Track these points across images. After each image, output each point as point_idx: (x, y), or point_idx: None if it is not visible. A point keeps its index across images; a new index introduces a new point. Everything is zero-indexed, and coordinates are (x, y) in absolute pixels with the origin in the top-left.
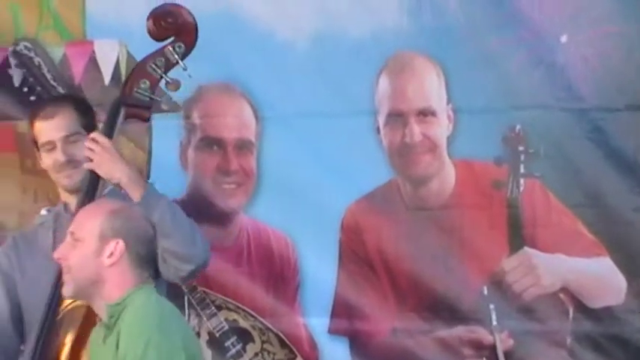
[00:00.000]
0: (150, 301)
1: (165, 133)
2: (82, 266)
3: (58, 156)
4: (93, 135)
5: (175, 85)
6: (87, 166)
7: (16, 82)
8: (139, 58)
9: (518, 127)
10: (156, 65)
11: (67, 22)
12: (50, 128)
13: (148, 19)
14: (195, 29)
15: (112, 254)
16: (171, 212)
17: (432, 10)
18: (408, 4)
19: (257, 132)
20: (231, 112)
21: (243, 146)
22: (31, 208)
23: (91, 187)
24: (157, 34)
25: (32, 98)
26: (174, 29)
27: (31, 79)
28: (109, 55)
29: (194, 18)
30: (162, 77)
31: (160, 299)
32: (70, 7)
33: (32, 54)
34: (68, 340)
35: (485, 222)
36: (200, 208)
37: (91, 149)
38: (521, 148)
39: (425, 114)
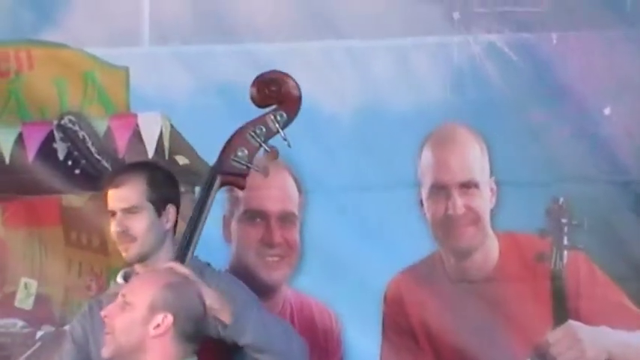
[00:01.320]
0: None
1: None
2: (127, 331)
3: (114, 226)
4: (172, 264)
5: (274, 154)
6: None
7: (61, 156)
8: (182, 131)
9: (561, 199)
10: (255, 133)
11: (111, 95)
12: (114, 197)
13: (252, 84)
14: (299, 100)
15: (158, 326)
16: (263, 326)
17: (474, 83)
18: (451, 78)
19: (300, 204)
20: (275, 184)
21: (286, 219)
22: (75, 282)
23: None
24: (259, 100)
25: (77, 172)
26: (277, 97)
27: (75, 153)
28: (152, 128)
29: (299, 88)
30: (261, 146)
31: None
32: (115, 80)
33: (77, 127)
34: None
35: (529, 294)
36: (243, 281)
37: None
38: (564, 221)
39: (468, 186)
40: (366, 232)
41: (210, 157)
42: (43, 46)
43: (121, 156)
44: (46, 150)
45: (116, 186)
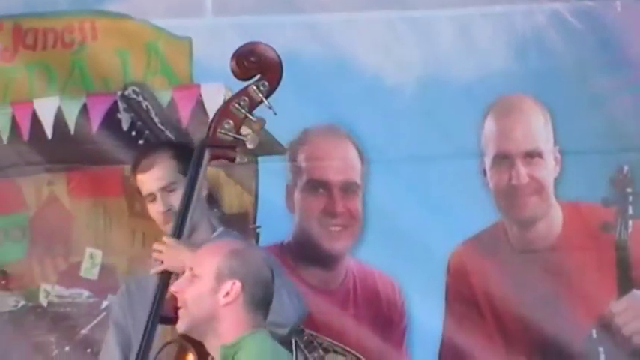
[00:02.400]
0: (265, 348)
1: (272, 176)
2: (198, 302)
3: (159, 207)
4: (163, 238)
5: (259, 123)
6: (157, 269)
7: (125, 127)
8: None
9: (626, 168)
10: (239, 105)
11: (174, 66)
12: (149, 180)
13: (231, 59)
14: (279, 67)
15: (227, 294)
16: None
17: (538, 52)
18: (515, 47)
19: (363, 174)
20: (337, 154)
21: (349, 189)
22: (139, 252)
23: (161, 285)
24: (240, 74)
25: (140, 142)
26: (258, 68)
27: (139, 124)
28: (215, 99)
29: (278, 55)
30: (246, 117)
31: (275, 345)
32: (178, 51)
33: (140, 98)
34: None
35: (593, 264)
36: (306, 251)
37: (159, 251)
38: (629, 190)
39: (532, 156)
40: (429, 202)
41: (272, 126)
42: (107, 17)
43: (184, 126)
44: (110, 121)
45: (145, 170)
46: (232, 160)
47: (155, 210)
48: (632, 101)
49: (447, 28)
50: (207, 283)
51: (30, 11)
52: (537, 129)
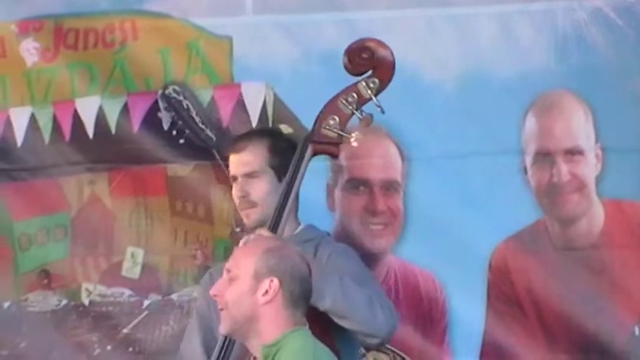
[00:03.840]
0: (306, 346)
1: (312, 174)
2: (238, 303)
3: (236, 191)
4: (260, 231)
5: (367, 120)
6: None
7: (165, 126)
8: (285, 100)
9: None
10: (347, 101)
11: (214, 65)
12: (236, 162)
13: (344, 54)
14: (392, 65)
15: (266, 292)
16: (342, 292)
17: (579, 49)
18: (555, 44)
19: (403, 172)
20: (378, 152)
21: (389, 187)
22: (181, 250)
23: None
24: (352, 70)
25: (181, 141)
26: (370, 64)
27: (179, 122)
28: (256, 98)
29: (392, 53)
30: (353, 113)
31: (316, 344)
32: (218, 50)
33: (181, 97)
34: None
35: (636, 261)
36: None
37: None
38: None
39: (573, 153)
40: (470, 200)
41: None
42: (148, 17)
43: (224, 125)
44: (151, 120)
45: (238, 151)
46: (336, 156)
47: (234, 193)
48: None
49: (487, 25)
50: (246, 283)
51: (70, 11)
52: (578, 126)
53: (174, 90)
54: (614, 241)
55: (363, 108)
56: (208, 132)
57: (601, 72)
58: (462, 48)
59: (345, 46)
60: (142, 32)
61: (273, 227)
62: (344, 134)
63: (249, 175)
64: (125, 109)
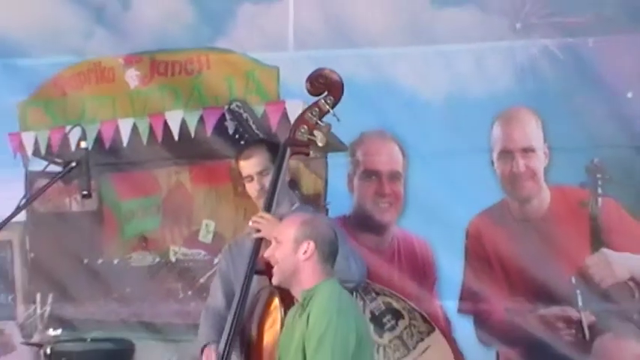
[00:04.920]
0: (334, 291)
1: (337, 167)
2: (285, 262)
3: (255, 186)
4: (260, 213)
5: (327, 127)
6: (255, 235)
7: (230, 131)
8: None
9: (596, 160)
10: (312, 114)
11: (266, 87)
12: (249, 166)
13: (306, 81)
14: (341, 86)
15: (305, 252)
16: None
17: (532, 76)
18: (515, 72)
19: (404, 165)
20: (385, 151)
21: (393, 176)
22: (242, 223)
23: (256, 246)
24: (312, 91)
25: (242, 142)
26: (325, 86)
27: (240, 129)
28: (295, 111)
29: (340, 77)
30: (317, 123)
31: (342, 291)
32: (269, 77)
33: (242, 111)
34: (257, 311)
35: (574, 230)
36: (362, 222)
37: (257, 222)
38: (599, 176)
39: (527, 151)
40: (452, 186)
41: (337, 131)
42: (217, 52)
43: (273, 131)
44: (220, 127)
45: (247, 158)
46: (307, 154)
47: (252, 188)
48: (602, 111)
49: (466, 58)
50: (289, 246)
51: (161, 48)
52: (531, 132)
53: (237, 105)
54: (558, 215)
55: (324, 119)
56: (262, 136)
57: (548, 93)
58: (447, 75)
59: (360, 74)
60: (213, 63)
61: (267, 208)
62: (312, 138)
63: (261, 173)
64: (201, 120)
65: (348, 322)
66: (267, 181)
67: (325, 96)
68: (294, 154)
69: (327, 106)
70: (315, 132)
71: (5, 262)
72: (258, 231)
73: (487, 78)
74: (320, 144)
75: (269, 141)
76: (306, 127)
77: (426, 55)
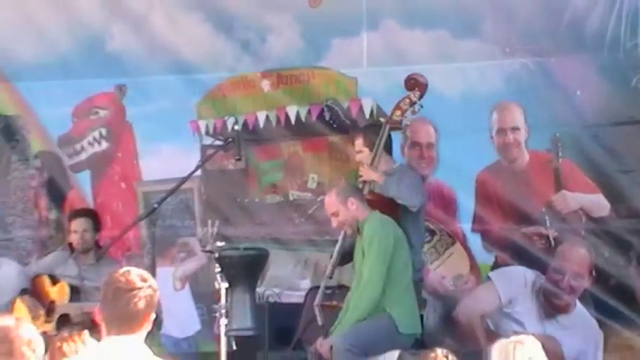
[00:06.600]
0: (377, 216)
1: (395, 139)
2: (346, 216)
3: (365, 154)
4: (364, 166)
5: (415, 112)
6: (360, 179)
7: (327, 119)
8: (384, 107)
9: (557, 134)
10: (404, 103)
11: (349, 91)
12: (358, 142)
13: (405, 81)
14: (425, 85)
15: (353, 203)
16: (397, 185)
17: (517, 81)
18: (506, 79)
19: (436, 139)
20: (424, 129)
21: (429, 146)
22: (334, 175)
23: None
24: (407, 87)
25: (334, 126)
26: (415, 84)
27: (334, 117)
28: (368, 105)
29: (426, 80)
30: (407, 109)
31: (379, 214)
32: (351, 84)
33: (334, 105)
34: None
35: (543, 179)
36: (413, 175)
37: (362, 170)
38: (559, 144)
39: (514, 129)
40: (466, 151)
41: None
42: (319, 69)
43: (353, 118)
44: (321, 116)
45: (356, 137)
46: (400, 129)
47: (361, 156)
48: (561, 104)
49: (474, 71)
50: (340, 207)
51: (283, 67)
52: (517, 117)
53: (332, 102)
54: (533, 170)
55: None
56: (347, 122)
57: (526, 92)
58: (462, 81)
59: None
60: (316, 76)
61: (371, 163)
62: (403, 118)
63: (361, 151)
64: (309, 111)
65: (388, 231)
66: (366, 151)
67: (414, 91)
68: (391, 130)
69: (415, 98)
70: (406, 115)
71: (189, 201)
72: (361, 176)
73: (488, 83)
74: (407, 123)
75: (369, 125)
76: (399, 112)
77: (449, 70)
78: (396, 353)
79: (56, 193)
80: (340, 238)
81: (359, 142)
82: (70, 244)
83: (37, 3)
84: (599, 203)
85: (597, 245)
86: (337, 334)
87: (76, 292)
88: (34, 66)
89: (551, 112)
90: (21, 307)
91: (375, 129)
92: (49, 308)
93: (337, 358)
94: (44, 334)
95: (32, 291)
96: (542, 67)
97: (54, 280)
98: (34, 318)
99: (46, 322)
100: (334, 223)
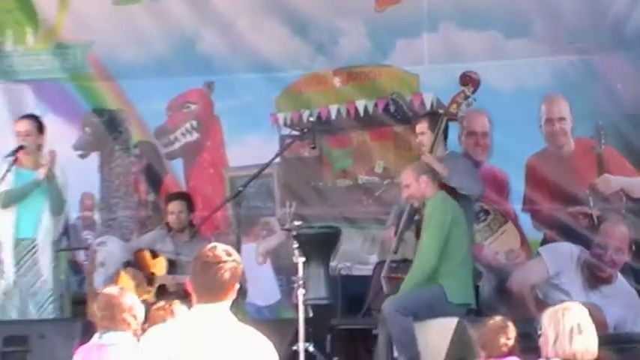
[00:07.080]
0: (440, 195)
1: (452, 129)
2: (416, 191)
3: (425, 140)
4: (424, 150)
5: (469, 104)
6: (426, 160)
7: (392, 110)
8: (443, 100)
9: (600, 122)
10: (460, 96)
11: (411, 86)
12: (421, 127)
13: (460, 77)
14: (478, 81)
15: (424, 181)
16: (459, 176)
17: (564, 76)
18: (553, 74)
19: (490, 129)
20: (479, 120)
21: (485, 134)
22: (398, 161)
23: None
24: (462, 83)
25: (398, 117)
26: (469, 80)
27: (398, 110)
28: (429, 99)
29: (478, 76)
30: (462, 102)
31: (444, 194)
32: (413, 80)
33: (398, 99)
34: None
35: (588, 164)
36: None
37: (423, 154)
38: (602, 132)
39: (560, 119)
40: (518, 139)
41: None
42: (385, 66)
43: (416, 109)
44: (386, 108)
45: (418, 122)
46: (456, 120)
47: (422, 138)
48: (604, 97)
49: (524, 66)
50: (414, 183)
51: (352, 64)
52: (564, 108)
53: (397, 95)
54: (578, 155)
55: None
56: (410, 114)
57: (572, 86)
58: (515, 76)
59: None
60: (383, 73)
61: (430, 150)
62: (458, 110)
63: (423, 134)
64: (375, 104)
65: (447, 209)
66: (430, 137)
67: (468, 86)
68: (449, 120)
69: (469, 92)
70: (461, 107)
71: (270, 185)
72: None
73: (536, 78)
74: (463, 114)
75: (432, 113)
76: (455, 105)
77: (501, 66)
78: (454, 320)
79: (153, 178)
80: (404, 217)
81: (422, 125)
82: (167, 224)
83: (138, 12)
84: (638, 185)
85: (637, 223)
86: (390, 299)
87: (172, 266)
88: (134, 66)
89: (594, 103)
90: (125, 277)
91: (435, 117)
92: (150, 279)
93: (388, 317)
94: (144, 301)
95: (135, 263)
96: (586, 64)
97: (154, 255)
98: (137, 286)
99: (147, 291)
100: (405, 193)
